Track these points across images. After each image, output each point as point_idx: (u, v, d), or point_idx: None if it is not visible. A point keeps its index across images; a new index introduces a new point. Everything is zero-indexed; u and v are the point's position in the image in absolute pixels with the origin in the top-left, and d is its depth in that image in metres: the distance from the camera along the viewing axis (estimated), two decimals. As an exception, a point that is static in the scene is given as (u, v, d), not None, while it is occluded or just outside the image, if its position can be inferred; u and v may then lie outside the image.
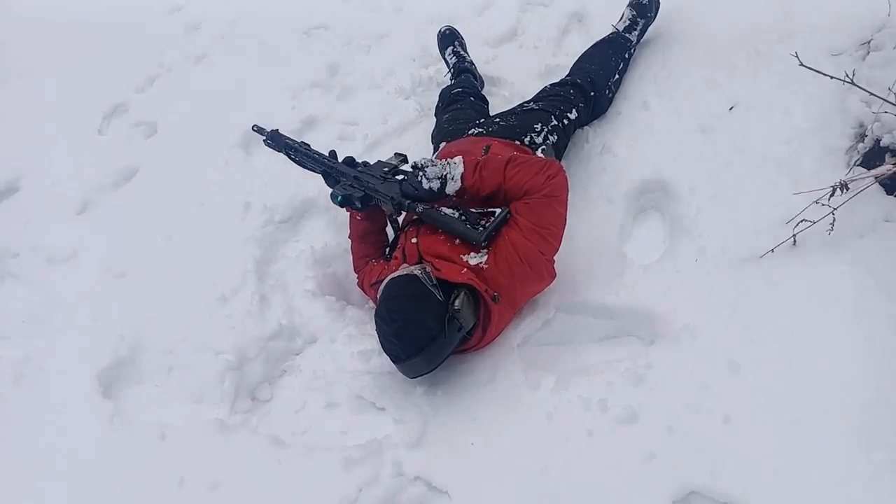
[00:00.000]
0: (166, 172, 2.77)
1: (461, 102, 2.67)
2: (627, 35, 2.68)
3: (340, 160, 2.13)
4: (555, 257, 1.97)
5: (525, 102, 2.54)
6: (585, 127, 2.61)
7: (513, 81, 3.05)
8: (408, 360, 1.74)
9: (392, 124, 2.97)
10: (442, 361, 1.81)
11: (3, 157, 2.89)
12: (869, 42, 2.04)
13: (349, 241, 2.20)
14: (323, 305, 2.10)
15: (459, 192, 1.94)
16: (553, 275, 1.97)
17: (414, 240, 1.97)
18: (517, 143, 2.27)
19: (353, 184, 2.04)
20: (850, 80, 1.60)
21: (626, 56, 2.66)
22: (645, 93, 2.57)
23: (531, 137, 2.30)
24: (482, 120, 2.44)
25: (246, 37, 3.70)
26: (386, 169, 2.05)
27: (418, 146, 2.67)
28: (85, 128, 3.07)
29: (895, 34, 1.98)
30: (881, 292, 1.65)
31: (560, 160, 2.42)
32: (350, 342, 1.98)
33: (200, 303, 2.13)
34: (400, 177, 2.03)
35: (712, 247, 1.96)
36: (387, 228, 2.21)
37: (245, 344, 2.00)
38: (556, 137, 2.36)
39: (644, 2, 2.69)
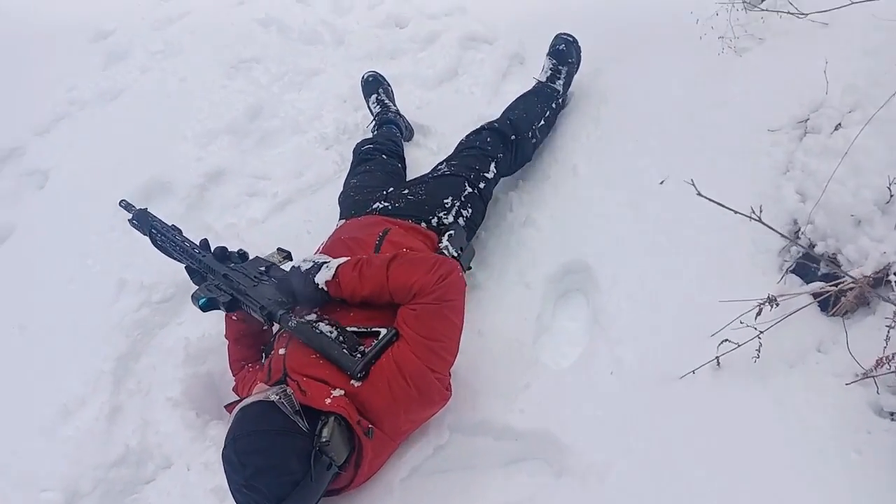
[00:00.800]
0: (42, 237, 2.40)
1: (371, 163, 2.34)
2: (552, 84, 2.43)
3: (213, 250, 1.80)
4: (451, 370, 1.65)
5: (439, 164, 2.19)
6: (511, 193, 2.33)
7: (443, 132, 2.74)
8: None
9: (307, 179, 2.65)
10: None
11: None
12: (806, 121, 1.75)
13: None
14: (182, 421, 1.73)
15: (334, 289, 1.62)
16: (446, 396, 1.61)
17: (282, 351, 1.62)
18: (423, 225, 1.93)
19: (221, 284, 1.72)
20: (757, 218, 1.29)
21: (554, 105, 2.40)
22: (575, 156, 2.29)
23: (439, 218, 1.96)
24: (390, 190, 2.09)
25: (169, 71, 3.37)
26: (263, 268, 1.74)
27: (330, 208, 2.36)
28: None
29: (832, 116, 1.68)
30: (809, 444, 1.35)
31: (475, 233, 2.11)
32: (205, 473, 1.59)
33: (36, 419, 1.75)
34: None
35: (629, 357, 1.65)
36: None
37: (79, 474, 1.62)
38: (469, 210, 2.04)
39: (561, 48, 2.45)
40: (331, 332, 1.55)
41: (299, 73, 3.37)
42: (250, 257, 1.83)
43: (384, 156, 2.39)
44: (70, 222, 2.45)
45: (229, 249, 1.82)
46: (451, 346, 1.59)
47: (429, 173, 2.17)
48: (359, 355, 1.51)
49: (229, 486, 1.39)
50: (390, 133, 2.58)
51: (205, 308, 1.70)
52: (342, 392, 1.49)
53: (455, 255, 1.89)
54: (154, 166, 2.71)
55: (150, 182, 2.64)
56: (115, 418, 1.75)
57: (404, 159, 2.50)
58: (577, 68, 2.51)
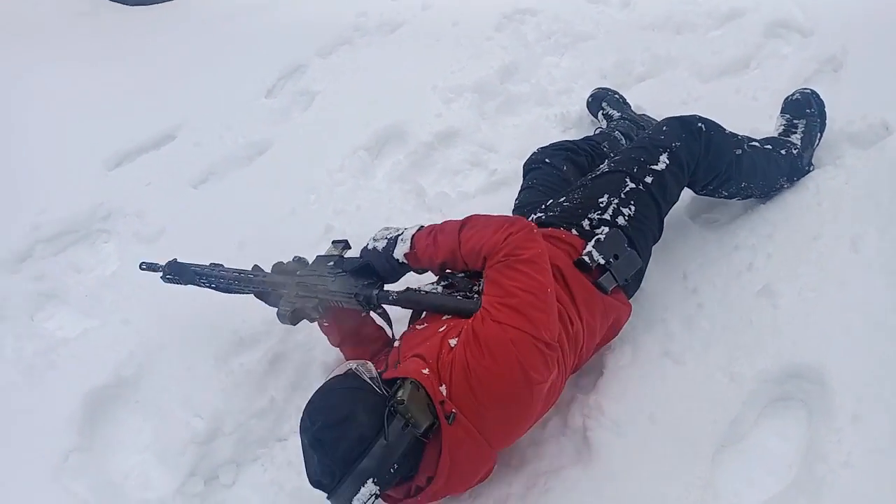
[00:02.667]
0: (286, 162, 2.48)
1: (532, 175, 1.90)
2: (786, 137, 1.87)
3: (272, 268, 1.66)
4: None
5: (601, 163, 1.76)
6: (755, 245, 1.77)
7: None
8: (336, 484, 1.18)
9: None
10: (388, 483, 1.23)
11: (176, 103, 2.85)
12: None
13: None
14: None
15: (413, 260, 1.48)
16: (542, 377, 1.27)
17: (397, 343, 1.47)
18: (572, 231, 1.54)
19: (300, 292, 1.56)
20: None
21: (783, 152, 1.81)
22: (862, 223, 1.65)
23: (590, 220, 1.55)
24: (549, 202, 1.70)
25: (446, 12, 3.24)
26: (331, 263, 1.57)
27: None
28: (257, 85, 2.95)
29: None
30: None
31: (647, 239, 1.61)
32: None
33: (215, 346, 1.80)
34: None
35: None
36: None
37: (226, 412, 1.65)
38: (632, 209, 1.56)
39: (795, 97, 1.93)
40: (435, 289, 1.49)
41: (568, 35, 2.97)
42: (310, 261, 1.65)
43: (546, 160, 1.90)
44: (311, 153, 2.50)
45: (284, 262, 1.66)
46: (536, 303, 1.28)
47: (589, 174, 1.73)
48: (476, 296, 1.40)
49: (304, 458, 1.25)
50: (588, 144, 2.02)
51: (294, 321, 1.57)
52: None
53: (602, 262, 1.49)
54: (400, 112, 2.61)
55: (390, 128, 2.56)
56: (273, 367, 1.76)
57: (592, 156, 1.96)
58: (822, 126, 1.89)
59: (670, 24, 2.92)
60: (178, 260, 1.79)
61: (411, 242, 1.48)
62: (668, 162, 1.61)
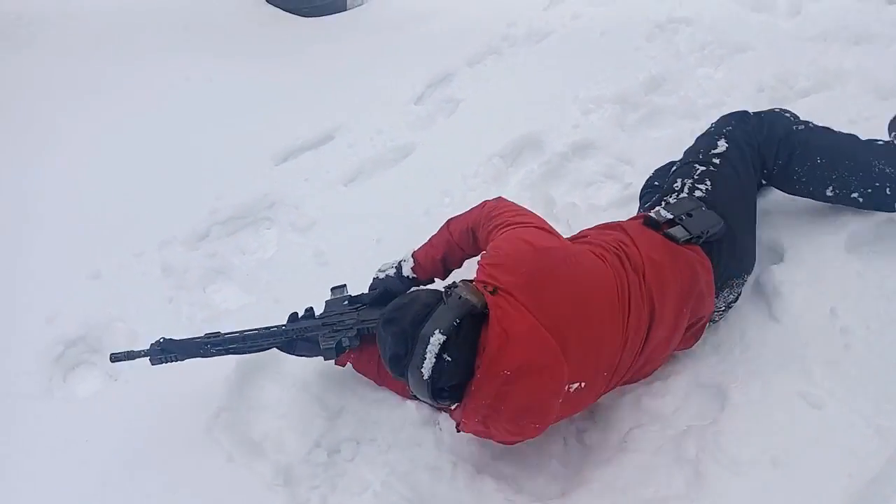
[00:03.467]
0: (426, 165, 2.58)
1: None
2: None
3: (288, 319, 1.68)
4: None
5: None
6: None
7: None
8: (408, 355, 1.30)
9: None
10: (455, 346, 1.29)
11: (336, 106, 3.03)
12: None
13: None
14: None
15: (420, 272, 1.69)
16: (547, 236, 1.50)
17: None
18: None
19: (329, 332, 1.60)
20: None
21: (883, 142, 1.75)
22: None
23: (665, 203, 1.62)
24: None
25: (597, 21, 3.17)
26: (345, 301, 1.67)
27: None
28: (408, 92, 3.07)
29: None
30: None
31: (740, 215, 1.63)
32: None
33: None
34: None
35: None
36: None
37: (351, 394, 1.73)
38: (707, 184, 1.61)
39: None
40: None
41: (724, 46, 2.80)
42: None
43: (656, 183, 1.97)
44: (450, 158, 2.57)
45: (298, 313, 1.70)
46: (518, 210, 1.61)
47: None
48: None
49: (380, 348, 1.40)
50: None
51: (339, 353, 1.62)
52: None
53: (670, 217, 1.53)
54: (538, 121, 2.61)
55: (527, 137, 2.57)
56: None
57: None
58: None
59: (845, 34, 2.64)
60: (166, 338, 1.62)
61: (413, 258, 1.69)
62: (727, 144, 1.67)
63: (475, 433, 1.42)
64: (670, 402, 1.51)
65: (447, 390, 1.32)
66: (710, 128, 1.78)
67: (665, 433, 1.45)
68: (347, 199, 2.57)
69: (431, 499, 1.47)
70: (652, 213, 1.56)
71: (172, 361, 1.59)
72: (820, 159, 1.63)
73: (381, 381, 1.69)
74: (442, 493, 1.48)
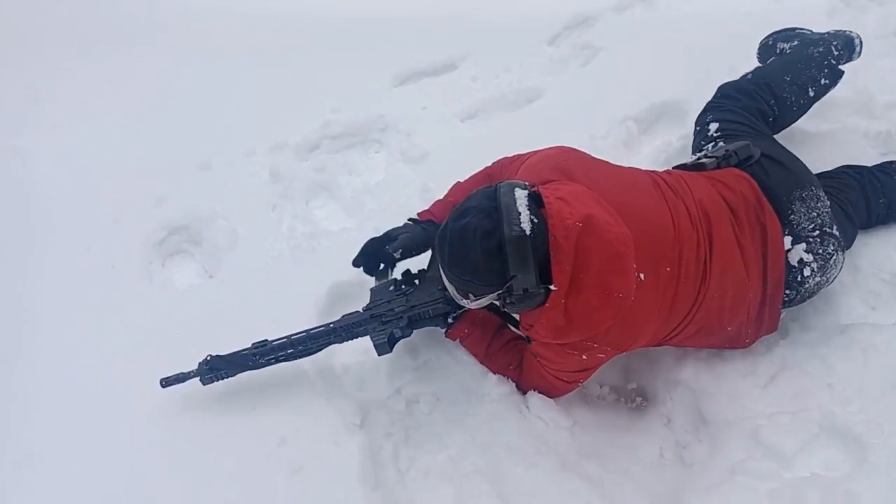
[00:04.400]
0: (550, 114, 2.34)
1: None
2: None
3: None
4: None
5: None
6: None
7: None
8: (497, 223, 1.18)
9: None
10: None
11: (464, 35, 2.76)
12: None
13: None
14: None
15: (432, 215, 1.61)
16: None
17: None
18: None
19: (378, 326, 1.45)
20: None
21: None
22: None
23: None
24: None
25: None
26: (391, 287, 1.50)
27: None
28: (543, 31, 2.78)
29: None
30: None
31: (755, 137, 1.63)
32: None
33: None
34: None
35: None
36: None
37: (440, 346, 1.61)
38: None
39: None
40: None
41: None
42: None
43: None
44: (579, 111, 2.31)
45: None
46: None
47: None
48: None
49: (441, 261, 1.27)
50: None
51: (391, 347, 1.46)
52: None
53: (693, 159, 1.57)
54: (685, 88, 2.28)
55: (670, 104, 2.26)
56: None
57: None
58: None
59: None
60: (214, 355, 1.48)
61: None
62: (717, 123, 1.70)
63: (546, 339, 1.28)
64: (794, 441, 1.31)
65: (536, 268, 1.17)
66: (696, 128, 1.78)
67: (783, 475, 1.26)
68: (462, 137, 2.38)
69: (509, 478, 1.36)
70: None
71: (223, 379, 1.47)
72: (787, 76, 1.76)
73: (486, 359, 1.55)
74: (519, 475, 1.36)
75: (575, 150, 1.47)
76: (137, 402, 1.53)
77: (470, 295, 1.25)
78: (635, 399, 1.64)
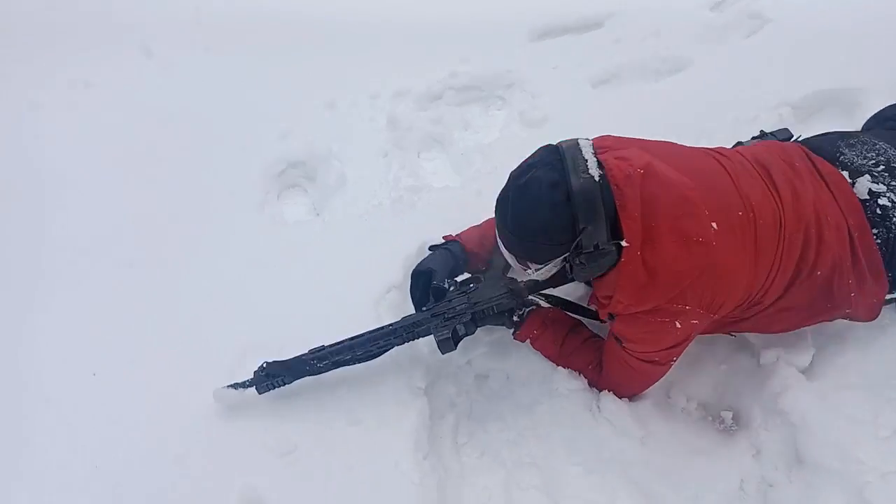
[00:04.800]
0: (695, 89, 2.06)
1: None
2: None
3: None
4: None
5: None
6: None
7: None
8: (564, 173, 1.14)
9: None
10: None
11: None
12: None
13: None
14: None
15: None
16: None
17: None
18: None
19: (441, 323, 1.37)
20: None
21: None
22: None
23: None
24: None
25: None
26: (451, 287, 1.41)
27: None
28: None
29: None
30: None
31: None
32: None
33: None
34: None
35: None
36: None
37: None
38: None
39: None
40: None
41: None
42: None
43: None
44: (727, 88, 2.04)
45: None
46: None
47: None
48: None
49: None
50: None
51: (455, 345, 1.38)
52: None
53: None
54: (862, 76, 1.95)
55: (839, 92, 1.94)
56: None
57: None
58: None
59: None
60: (269, 361, 1.39)
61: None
62: None
63: (628, 311, 1.20)
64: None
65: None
66: None
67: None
68: (589, 104, 2.21)
69: (562, 477, 1.29)
70: None
71: (280, 386, 1.39)
72: None
73: (561, 360, 1.45)
74: (573, 476, 1.29)
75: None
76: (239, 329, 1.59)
77: (533, 263, 1.20)
78: (725, 420, 1.48)
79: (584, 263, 1.14)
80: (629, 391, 1.40)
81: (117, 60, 2.48)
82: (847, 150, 1.37)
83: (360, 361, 1.40)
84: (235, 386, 1.38)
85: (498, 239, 1.25)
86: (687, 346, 1.29)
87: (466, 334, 1.41)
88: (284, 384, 1.39)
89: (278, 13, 2.72)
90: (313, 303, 1.61)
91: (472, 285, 1.42)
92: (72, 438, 1.37)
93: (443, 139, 2.21)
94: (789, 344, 1.43)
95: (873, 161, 1.34)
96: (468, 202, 1.80)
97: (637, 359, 1.29)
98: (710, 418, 1.49)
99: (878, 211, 1.27)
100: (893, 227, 1.27)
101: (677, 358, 1.31)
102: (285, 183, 2.16)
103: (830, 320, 1.37)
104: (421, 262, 1.50)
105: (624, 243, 1.12)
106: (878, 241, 1.28)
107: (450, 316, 1.39)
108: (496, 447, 1.38)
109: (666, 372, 1.34)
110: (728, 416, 1.48)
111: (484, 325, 1.43)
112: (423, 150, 2.20)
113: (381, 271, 1.66)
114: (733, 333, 1.45)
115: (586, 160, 1.12)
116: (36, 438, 1.38)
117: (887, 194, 1.28)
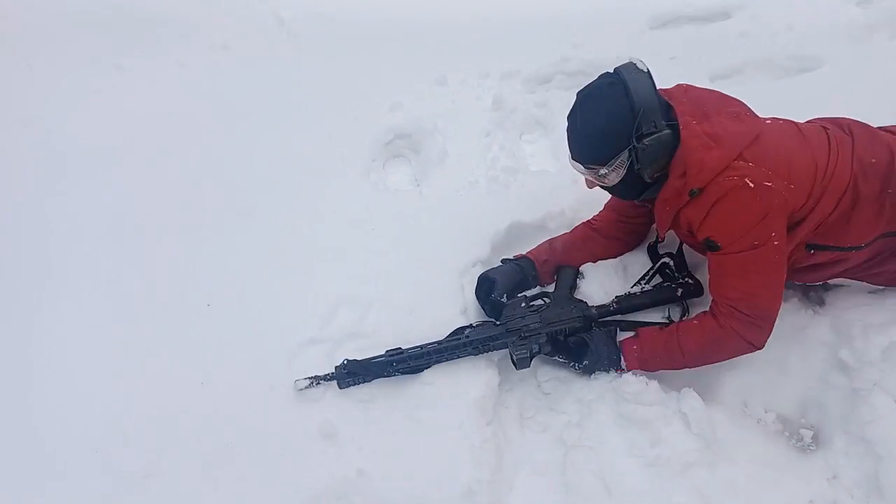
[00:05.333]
0: (822, 94, 1.92)
1: None
2: None
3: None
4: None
5: None
6: None
7: None
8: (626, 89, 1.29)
9: None
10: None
11: None
12: None
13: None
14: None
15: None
16: None
17: None
18: None
19: (518, 340, 1.43)
20: None
21: None
22: None
23: None
24: None
25: None
26: (522, 304, 1.49)
27: None
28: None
29: None
30: None
31: None
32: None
33: None
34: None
35: None
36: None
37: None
38: None
39: None
40: (643, 288, 1.57)
41: None
42: None
43: None
44: (860, 97, 1.87)
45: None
46: None
47: None
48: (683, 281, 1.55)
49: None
50: None
51: (529, 362, 1.44)
52: None
53: None
54: None
55: None
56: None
57: None
58: None
59: None
60: (350, 360, 1.44)
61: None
62: None
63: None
64: None
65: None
66: None
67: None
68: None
69: (618, 467, 1.30)
70: None
71: (359, 384, 1.44)
72: None
73: (677, 351, 1.39)
74: (629, 468, 1.30)
75: None
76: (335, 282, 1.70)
77: (602, 167, 1.31)
78: (804, 438, 1.41)
79: (647, 147, 1.26)
80: (764, 297, 1.30)
81: (254, 30, 2.67)
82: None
83: (434, 365, 1.45)
84: (317, 378, 1.44)
85: (570, 158, 1.38)
86: (777, 221, 1.25)
87: (541, 353, 1.47)
88: (363, 382, 1.44)
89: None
90: (403, 266, 1.70)
91: (542, 302, 1.52)
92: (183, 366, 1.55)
93: (546, 123, 2.21)
94: (887, 371, 1.34)
95: None
96: (562, 189, 1.80)
97: (741, 252, 1.26)
98: (788, 434, 1.43)
99: None
100: None
101: (777, 234, 1.26)
102: (391, 152, 2.26)
103: None
104: (489, 269, 1.59)
105: (680, 120, 1.28)
106: None
107: (526, 335, 1.44)
108: (559, 427, 1.41)
109: (780, 260, 1.28)
110: (808, 434, 1.42)
111: (555, 356, 1.48)
112: (526, 132, 2.22)
113: (469, 245, 1.71)
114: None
115: (637, 62, 1.32)
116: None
117: None
